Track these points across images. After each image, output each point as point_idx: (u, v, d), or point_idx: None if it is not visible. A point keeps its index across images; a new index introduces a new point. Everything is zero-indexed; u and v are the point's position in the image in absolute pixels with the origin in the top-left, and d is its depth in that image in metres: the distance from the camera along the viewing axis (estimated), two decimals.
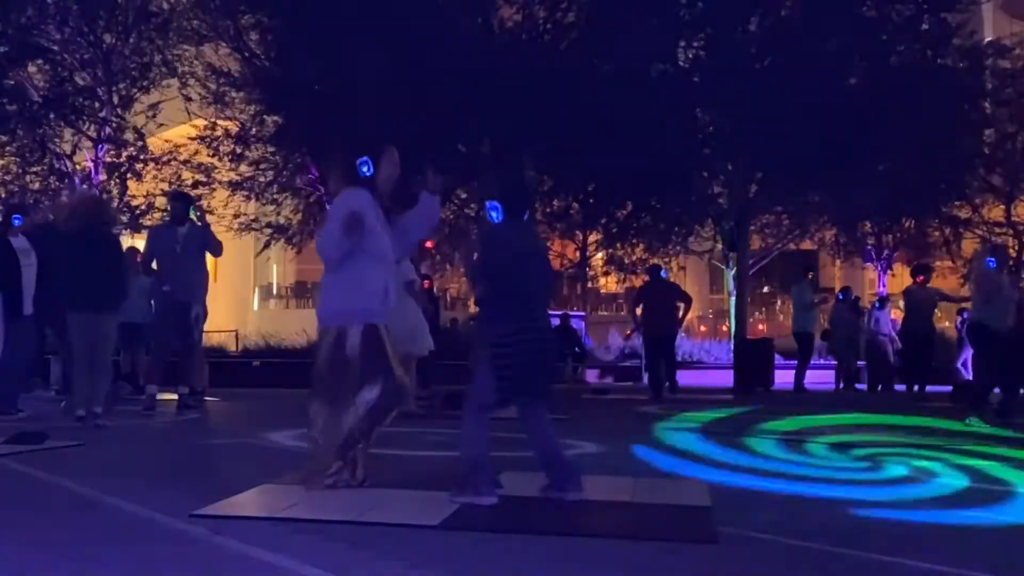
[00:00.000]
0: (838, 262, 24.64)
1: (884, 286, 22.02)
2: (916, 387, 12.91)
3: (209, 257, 9.01)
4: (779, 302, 29.18)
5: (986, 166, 19.86)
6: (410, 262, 8.93)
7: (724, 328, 24.15)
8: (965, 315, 13.77)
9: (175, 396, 9.20)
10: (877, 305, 15.75)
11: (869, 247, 22.16)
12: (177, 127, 18.54)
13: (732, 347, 17.40)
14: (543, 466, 4.23)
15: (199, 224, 9.13)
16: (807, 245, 22.23)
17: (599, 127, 15.00)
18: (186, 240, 8.71)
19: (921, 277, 13.15)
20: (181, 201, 9.35)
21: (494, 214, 4.20)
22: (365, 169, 4.48)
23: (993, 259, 9.02)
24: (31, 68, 17.34)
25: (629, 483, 4.40)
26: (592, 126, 15.01)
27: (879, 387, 14.65)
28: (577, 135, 15.16)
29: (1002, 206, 21.11)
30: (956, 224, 20.45)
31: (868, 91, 16.19)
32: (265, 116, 17.50)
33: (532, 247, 4.34)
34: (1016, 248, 21.18)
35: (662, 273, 13.63)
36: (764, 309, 30.59)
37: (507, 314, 4.12)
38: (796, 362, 14.36)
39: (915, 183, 16.75)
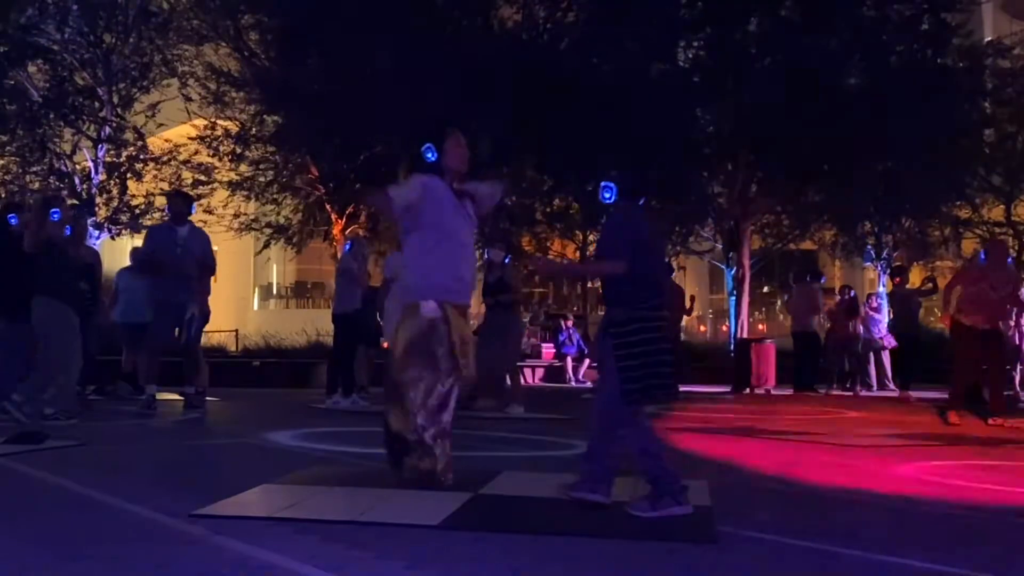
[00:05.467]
0: (838, 262, 24.63)
1: (884, 286, 22.02)
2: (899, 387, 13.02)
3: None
4: (779, 302, 29.16)
5: (986, 166, 19.86)
6: None
7: (724, 328, 24.14)
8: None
9: (177, 396, 9.21)
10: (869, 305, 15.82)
11: (869, 247, 22.16)
12: (177, 127, 18.52)
13: (732, 347, 17.40)
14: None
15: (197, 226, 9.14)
16: (807, 245, 22.22)
17: (599, 127, 14.99)
18: (187, 241, 8.71)
19: (898, 279, 13.21)
20: (184, 199, 9.35)
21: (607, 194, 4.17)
22: (429, 155, 4.52)
23: (984, 253, 8.94)
24: (31, 68, 17.33)
25: (629, 483, 4.39)
26: (592, 126, 15.01)
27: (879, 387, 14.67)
28: (577, 135, 15.15)
29: (1002, 206, 21.12)
30: (956, 224, 20.45)
31: (868, 91, 16.18)
32: (265, 116, 17.49)
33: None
34: (1016, 248, 21.19)
35: None
36: (764, 309, 30.59)
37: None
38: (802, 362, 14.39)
39: (915, 183, 16.75)
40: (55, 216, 7.64)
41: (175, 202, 9.34)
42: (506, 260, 9.81)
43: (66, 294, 7.65)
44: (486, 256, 9.85)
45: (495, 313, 9.60)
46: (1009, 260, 8.92)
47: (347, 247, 10.47)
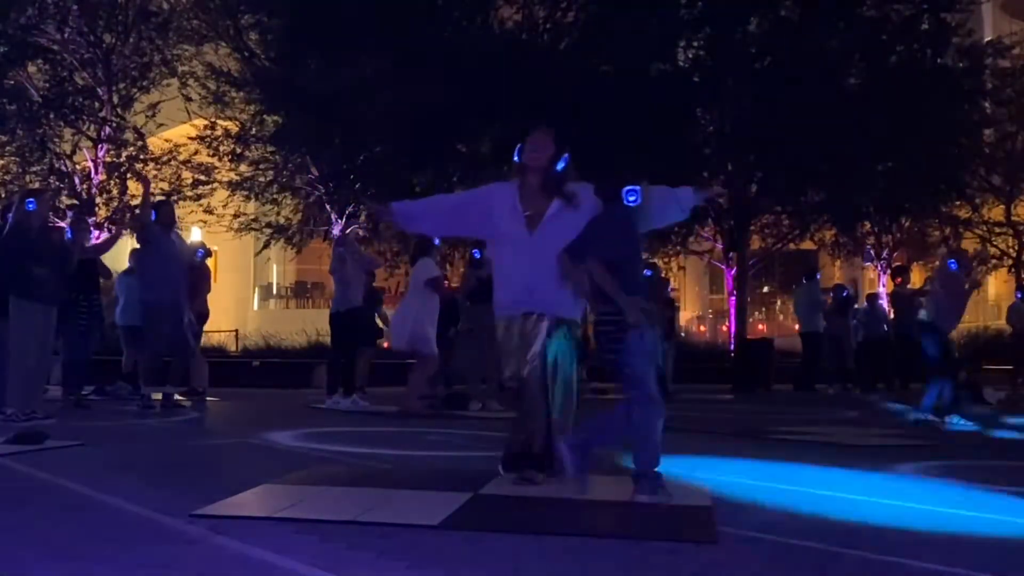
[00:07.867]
0: (838, 262, 24.64)
1: (884, 286, 22.04)
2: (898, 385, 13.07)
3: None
4: (779, 302, 29.19)
5: (986, 166, 19.88)
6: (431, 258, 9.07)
7: (724, 328, 24.17)
8: None
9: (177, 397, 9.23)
10: (867, 304, 15.84)
11: (869, 247, 22.18)
12: (177, 127, 18.54)
13: (732, 347, 17.41)
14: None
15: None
16: (807, 245, 22.23)
17: (598, 127, 14.99)
18: (180, 246, 8.74)
19: (899, 279, 13.28)
20: (172, 208, 9.34)
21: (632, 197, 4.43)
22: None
23: (955, 261, 9.03)
24: (31, 68, 17.35)
25: (629, 483, 4.39)
26: (591, 126, 15.00)
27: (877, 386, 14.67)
28: (576, 135, 15.14)
29: (1002, 206, 21.13)
30: (956, 224, 20.47)
31: (868, 91, 16.18)
32: (265, 116, 17.50)
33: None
34: (1016, 248, 21.20)
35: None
36: (764, 309, 30.63)
37: None
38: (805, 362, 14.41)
39: (915, 183, 16.76)
40: (29, 206, 7.55)
41: (166, 210, 9.17)
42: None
43: (25, 288, 7.41)
44: (476, 254, 9.77)
45: (486, 312, 9.52)
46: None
47: (338, 249, 10.43)
